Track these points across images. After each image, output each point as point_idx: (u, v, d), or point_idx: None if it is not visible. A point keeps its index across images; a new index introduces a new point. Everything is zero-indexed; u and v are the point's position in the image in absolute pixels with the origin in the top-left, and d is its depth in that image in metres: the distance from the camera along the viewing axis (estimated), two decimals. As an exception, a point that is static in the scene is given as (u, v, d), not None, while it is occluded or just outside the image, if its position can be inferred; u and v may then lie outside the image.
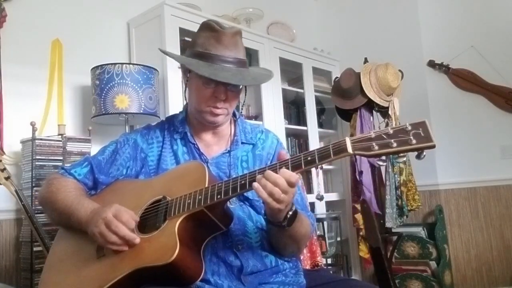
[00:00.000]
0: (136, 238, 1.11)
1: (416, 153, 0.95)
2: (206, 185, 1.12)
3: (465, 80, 3.51)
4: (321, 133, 3.71)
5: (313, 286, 1.25)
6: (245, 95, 1.36)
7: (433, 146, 0.92)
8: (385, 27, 3.86)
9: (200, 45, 1.28)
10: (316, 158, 1.01)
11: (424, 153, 0.94)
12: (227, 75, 1.22)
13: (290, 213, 1.11)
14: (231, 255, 1.18)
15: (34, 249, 2.07)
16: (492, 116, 3.42)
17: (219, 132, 1.37)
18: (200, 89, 1.28)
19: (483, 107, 3.45)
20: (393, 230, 3.21)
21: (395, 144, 0.94)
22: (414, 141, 0.93)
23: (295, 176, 1.02)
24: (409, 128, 0.95)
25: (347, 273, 3.49)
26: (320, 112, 3.88)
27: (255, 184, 1.03)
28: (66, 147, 2.23)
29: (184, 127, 1.37)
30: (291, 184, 1.02)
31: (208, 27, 1.28)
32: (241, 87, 1.32)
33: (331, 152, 0.99)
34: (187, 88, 1.35)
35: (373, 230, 2.49)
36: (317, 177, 3.41)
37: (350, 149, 0.97)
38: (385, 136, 0.95)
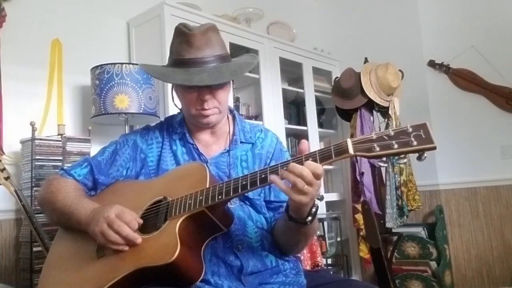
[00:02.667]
0: (138, 238, 1.11)
1: (417, 154, 0.95)
2: (207, 186, 1.11)
3: (465, 80, 3.51)
4: (321, 133, 3.71)
5: (314, 286, 1.24)
6: (233, 88, 1.34)
7: (434, 148, 0.92)
8: (385, 27, 3.85)
9: (175, 52, 1.27)
10: (318, 159, 1.01)
11: (425, 155, 0.94)
12: (202, 77, 1.20)
13: (314, 209, 1.09)
14: (231, 255, 1.18)
15: (34, 249, 2.07)
16: (492, 116, 3.42)
17: (216, 131, 1.36)
18: (184, 95, 1.28)
19: (483, 107, 3.45)
20: (393, 230, 3.21)
21: (396, 146, 0.94)
22: (415, 143, 0.93)
23: (320, 168, 1.00)
24: (410, 129, 0.94)
25: (347, 273, 3.49)
26: (320, 112, 3.87)
27: (272, 176, 1.01)
28: (66, 147, 2.23)
29: (182, 128, 1.37)
30: (316, 176, 1.00)
31: (178, 32, 1.27)
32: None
33: (333, 153, 0.99)
34: (173, 96, 1.36)
35: (374, 231, 2.49)
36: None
37: (351, 150, 0.97)
38: (386, 138, 0.95)
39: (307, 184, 0.99)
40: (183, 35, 1.25)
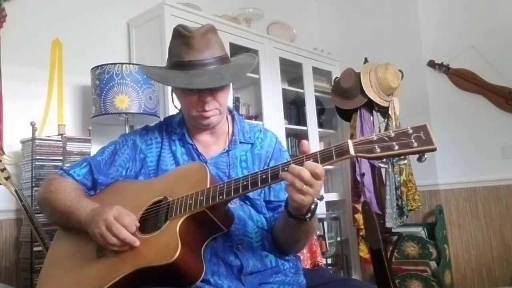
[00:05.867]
0: (136, 241, 1.11)
1: (417, 155, 0.95)
2: (208, 186, 1.12)
3: (465, 80, 3.51)
4: (321, 133, 3.71)
5: (313, 286, 1.25)
6: (232, 88, 1.34)
7: (434, 149, 0.93)
8: (385, 27, 3.86)
9: (174, 54, 1.27)
10: (319, 160, 1.01)
11: (426, 156, 0.94)
12: (203, 79, 1.20)
13: (313, 206, 1.09)
14: (231, 255, 1.18)
15: (34, 249, 2.07)
16: (492, 116, 3.42)
17: (216, 131, 1.37)
18: (184, 97, 1.28)
19: (483, 107, 3.46)
20: (393, 230, 3.21)
21: (397, 147, 0.94)
22: (415, 144, 0.93)
23: (320, 167, 1.00)
24: (411, 131, 0.95)
25: (347, 273, 3.49)
26: (320, 112, 3.87)
27: (283, 173, 1.02)
28: (66, 147, 2.23)
29: (181, 128, 1.37)
30: (316, 176, 1.00)
31: (177, 34, 1.26)
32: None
33: (334, 154, 1.00)
34: (173, 97, 1.35)
35: (374, 232, 2.49)
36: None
37: (352, 151, 0.98)
38: (387, 139, 0.96)
39: (306, 184, 0.99)
40: (182, 37, 1.24)
